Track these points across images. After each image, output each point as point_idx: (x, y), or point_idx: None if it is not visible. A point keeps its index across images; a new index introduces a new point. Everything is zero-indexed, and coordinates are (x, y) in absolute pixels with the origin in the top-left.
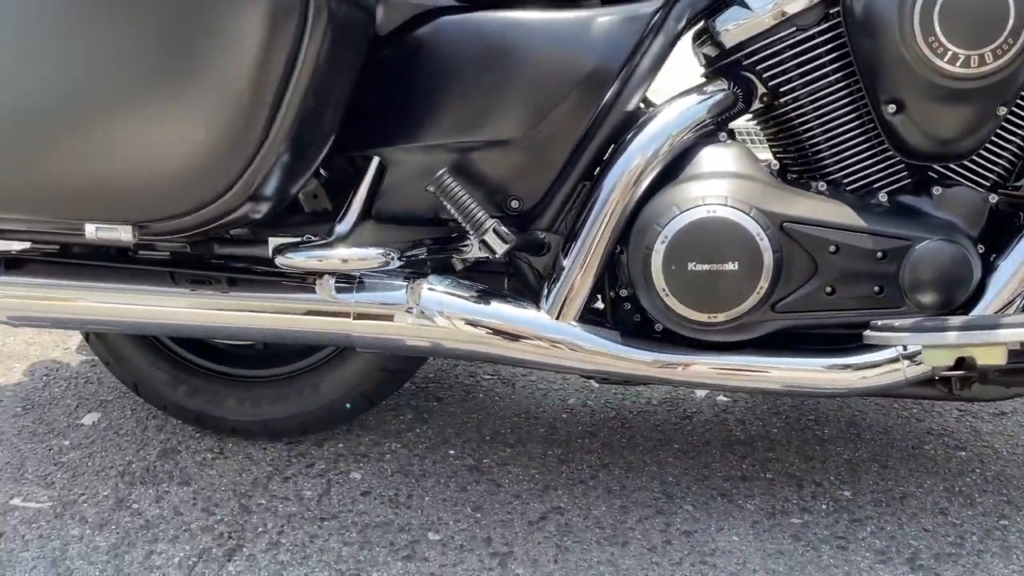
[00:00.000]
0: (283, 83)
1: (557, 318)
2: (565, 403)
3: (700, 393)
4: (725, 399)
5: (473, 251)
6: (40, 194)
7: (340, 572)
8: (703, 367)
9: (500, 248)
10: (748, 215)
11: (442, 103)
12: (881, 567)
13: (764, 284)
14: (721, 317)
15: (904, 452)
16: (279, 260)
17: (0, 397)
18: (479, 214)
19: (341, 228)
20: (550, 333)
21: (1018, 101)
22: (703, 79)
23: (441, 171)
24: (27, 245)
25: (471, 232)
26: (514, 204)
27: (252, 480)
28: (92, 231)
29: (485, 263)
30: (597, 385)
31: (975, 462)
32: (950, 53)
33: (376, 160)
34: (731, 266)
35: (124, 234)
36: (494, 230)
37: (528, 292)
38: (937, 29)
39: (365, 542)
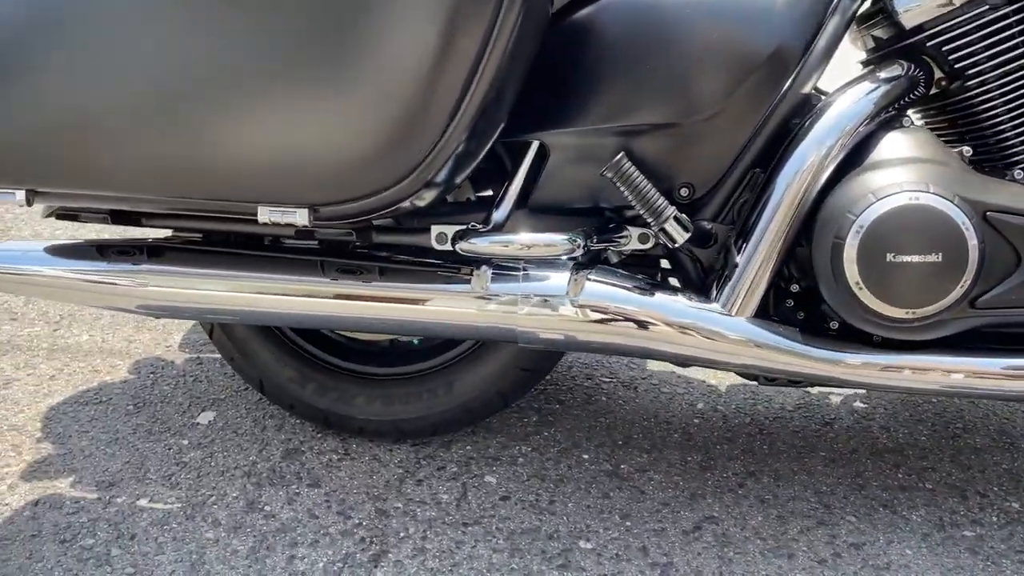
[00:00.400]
0: (473, 67)
1: (733, 313)
2: (694, 407)
3: (835, 398)
4: (862, 404)
5: (632, 242)
6: (219, 176)
7: None
8: (895, 368)
9: (681, 237)
10: (952, 203)
11: (611, 84)
12: None
13: (968, 278)
14: (919, 313)
15: None
16: (461, 247)
17: (109, 395)
18: (659, 202)
19: (497, 216)
20: (727, 329)
21: None
22: (871, 64)
23: (619, 156)
24: (168, 233)
25: (650, 220)
26: (684, 192)
27: (384, 482)
28: (266, 214)
29: (641, 255)
30: (724, 388)
31: None
32: None
33: (535, 145)
34: (934, 257)
35: (299, 218)
36: (675, 218)
37: (688, 285)
38: None
39: (515, 549)
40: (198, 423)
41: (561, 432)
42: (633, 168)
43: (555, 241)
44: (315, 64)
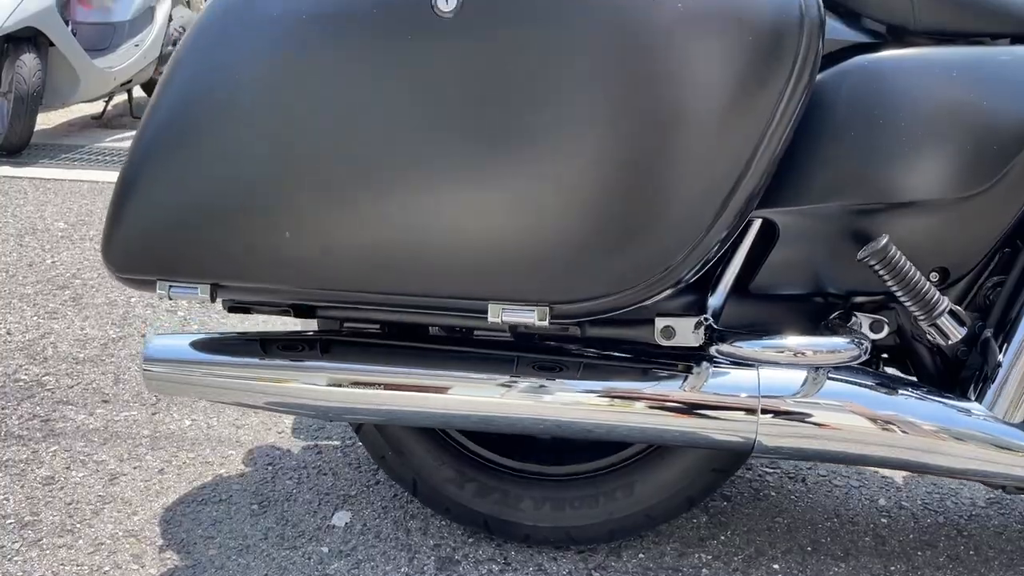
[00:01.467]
0: (752, 152)
1: (1004, 418)
2: (876, 503)
3: None
4: None
5: (861, 331)
6: (448, 272)
7: None
8: None
9: (956, 335)
10: None
11: (856, 156)
12: None
13: None
14: None
15: None
16: (720, 349)
17: (228, 492)
18: (931, 293)
19: (713, 301)
20: (1008, 437)
21: None
22: None
23: (884, 240)
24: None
25: (919, 315)
26: (934, 276)
27: None
28: (497, 313)
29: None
30: (901, 481)
31: None
32: None
33: (757, 223)
34: None
35: (536, 317)
36: (951, 312)
37: (924, 379)
38: None
39: None
40: (334, 526)
41: (739, 535)
42: (900, 254)
43: (840, 347)
44: (572, 152)
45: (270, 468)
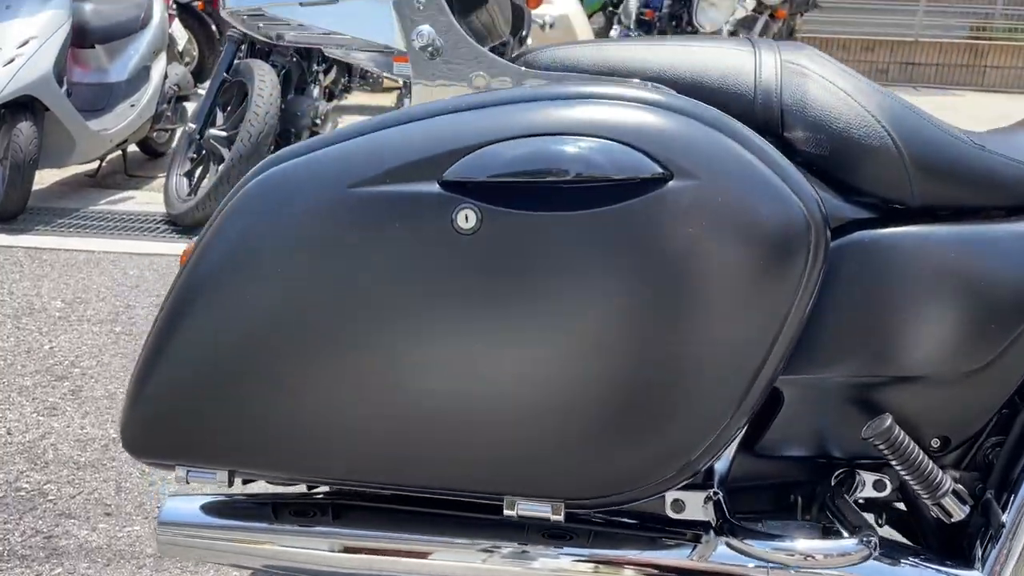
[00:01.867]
0: (768, 352)
1: None
2: None
3: None
4: None
5: (864, 489)
6: (467, 468)
7: None
8: None
9: (960, 514)
10: None
11: (865, 329)
12: None
13: None
14: None
15: None
16: (731, 543)
17: None
18: (935, 474)
19: (719, 467)
20: None
21: None
22: None
23: (887, 420)
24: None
25: (923, 493)
26: (935, 443)
27: None
28: (513, 507)
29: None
30: None
31: None
32: None
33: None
34: None
35: (550, 512)
36: (954, 492)
37: (926, 537)
38: None
39: None
40: None
41: None
42: (903, 434)
43: (849, 550)
44: (590, 354)
45: None
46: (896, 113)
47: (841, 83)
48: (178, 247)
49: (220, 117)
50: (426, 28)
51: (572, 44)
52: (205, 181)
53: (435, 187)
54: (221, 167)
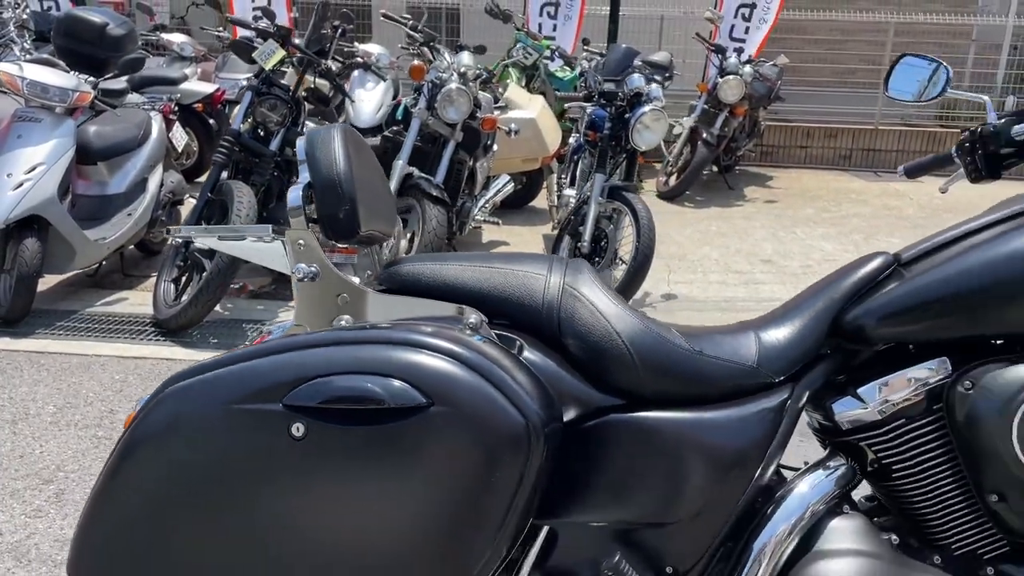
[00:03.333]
0: (509, 502)
1: None
2: None
3: None
4: None
5: None
6: None
7: None
8: None
9: None
10: None
11: (610, 488)
12: None
13: None
14: None
15: None
16: None
17: None
18: None
19: None
20: None
21: None
22: (826, 451)
23: (618, 558)
24: None
25: None
26: (669, 571)
27: None
28: None
29: None
30: None
31: None
32: None
33: (546, 529)
34: None
35: None
36: None
37: None
38: None
39: None
40: None
41: None
42: (630, 568)
43: None
44: (392, 528)
45: None
46: (636, 331)
47: (601, 307)
48: (161, 351)
49: None
50: (303, 266)
51: (424, 259)
52: (189, 289)
53: (279, 407)
54: (203, 277)
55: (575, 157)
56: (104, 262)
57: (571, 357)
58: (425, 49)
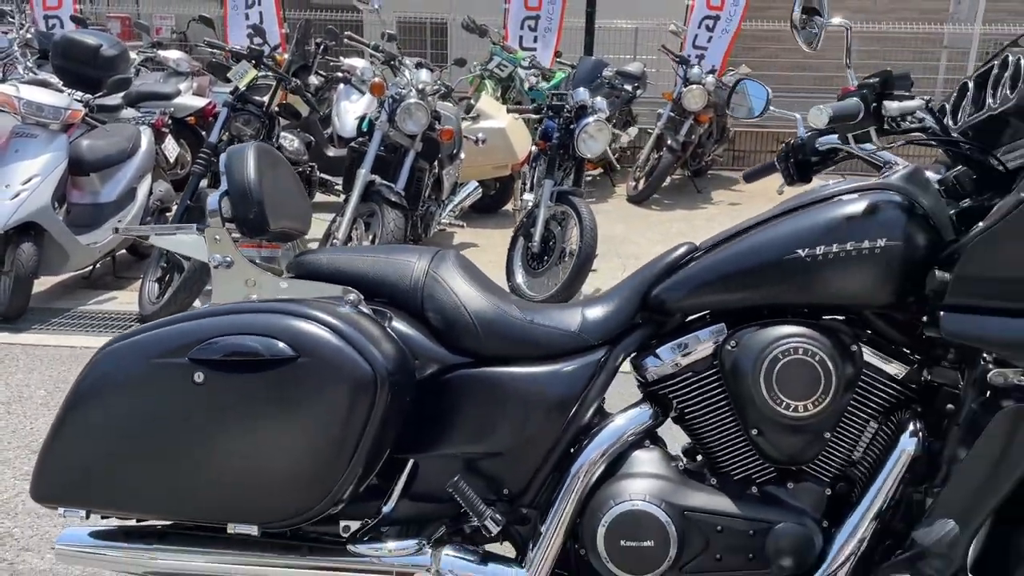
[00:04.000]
0: (357, 440)
1: (534, 570)
2: None
3: None
4: None
5: (492, 526)
6: (205, 510)
7: None
8: None
9: (495, 529)
10: (659, 507)
11: (459, 427)
12: None
13: (673, 553)
14: None
15: None
16: (352, 547)
17: None
18: (480, 506)
19: (386, 509)
20: None
21: (837, 428)
22: (640, 397)
23: (457, 477)
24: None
25: (476, 518)
26: (505, 492)
27: None
28: (232, 528)
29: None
30: None
31: None
32: (785, 403)
33: (412, 461)
34: (649, 543)
35: (252, 530)
36: (490, 516)
37: (523, 546)
38: (777, 386)
39: None
40: None
41: None
42: (465, 485)
43: (407, 547)
44: (274, 447)
45: None
46: (481, 306)
47: (455, 287)
48: None
49: None
50: (218, 256)
51: (324, 251)
52: (170, 287)
53: (186, 360)
54: (182, 276)
55: (534, 164)
56: (97, 265)
57: (431, 327)
58: (386, 66)
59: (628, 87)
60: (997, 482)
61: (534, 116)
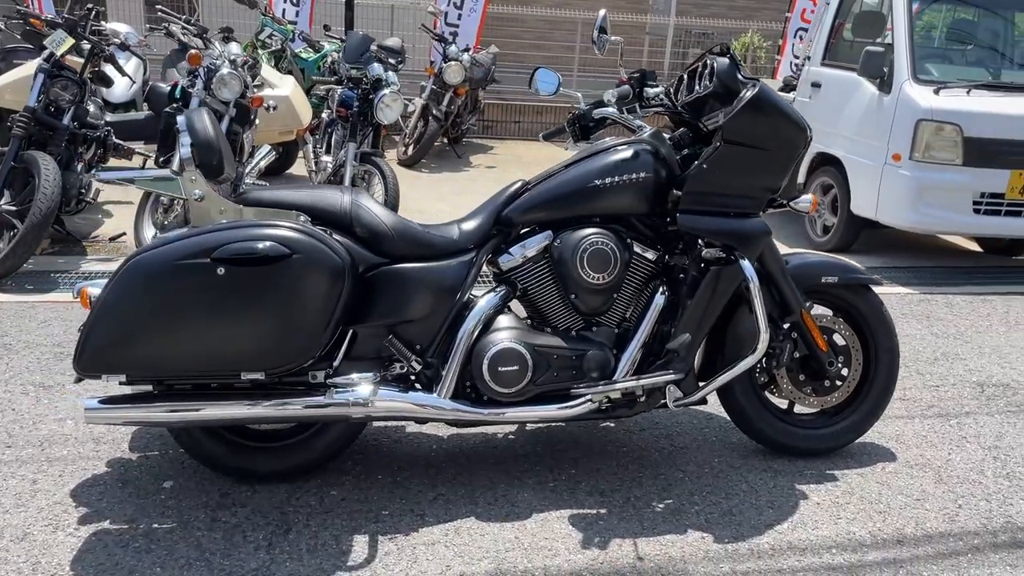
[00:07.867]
0: (331, 311)
1: (441, 395)
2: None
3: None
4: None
5: (407, 369)
6: (225, 363)
7: None
8: (511, 414)
9: (418, 368)
10: (521, 345)
11: (383, 305)
12: None
13: (529, 374)
14: (513, 390)
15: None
16: (318, 392)
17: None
18: (407, 352)
19: (335, 364)
20: (433, 403)
21: (620, 291)
22: (497, 283)
23: (389, 337)
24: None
25: (404, 360)
26: (417, 347)
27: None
28: (245, 376)
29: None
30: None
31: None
32: (591, 276)
33: (351, 332)
34: (515, 367)
35: (260, 376)
36: (414, 359)
37: (431, 382)
38: (586, 266)
39: None
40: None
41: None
42: (395, 340)
43: (356, 386)
44: (270, 319)
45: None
46: (393, 221)
47: (374, 209)
48: None
49: (7, 195)
50: (196, 191)
51: (267, 188)
52: (1, 245)
53: (208, 260)
54: (17, 234)
55: (328, 130)
56: None
57: (358, 239)
58: (197, 39)
59: (392, 60)
60: (710, 311)
61: (337, 87)
